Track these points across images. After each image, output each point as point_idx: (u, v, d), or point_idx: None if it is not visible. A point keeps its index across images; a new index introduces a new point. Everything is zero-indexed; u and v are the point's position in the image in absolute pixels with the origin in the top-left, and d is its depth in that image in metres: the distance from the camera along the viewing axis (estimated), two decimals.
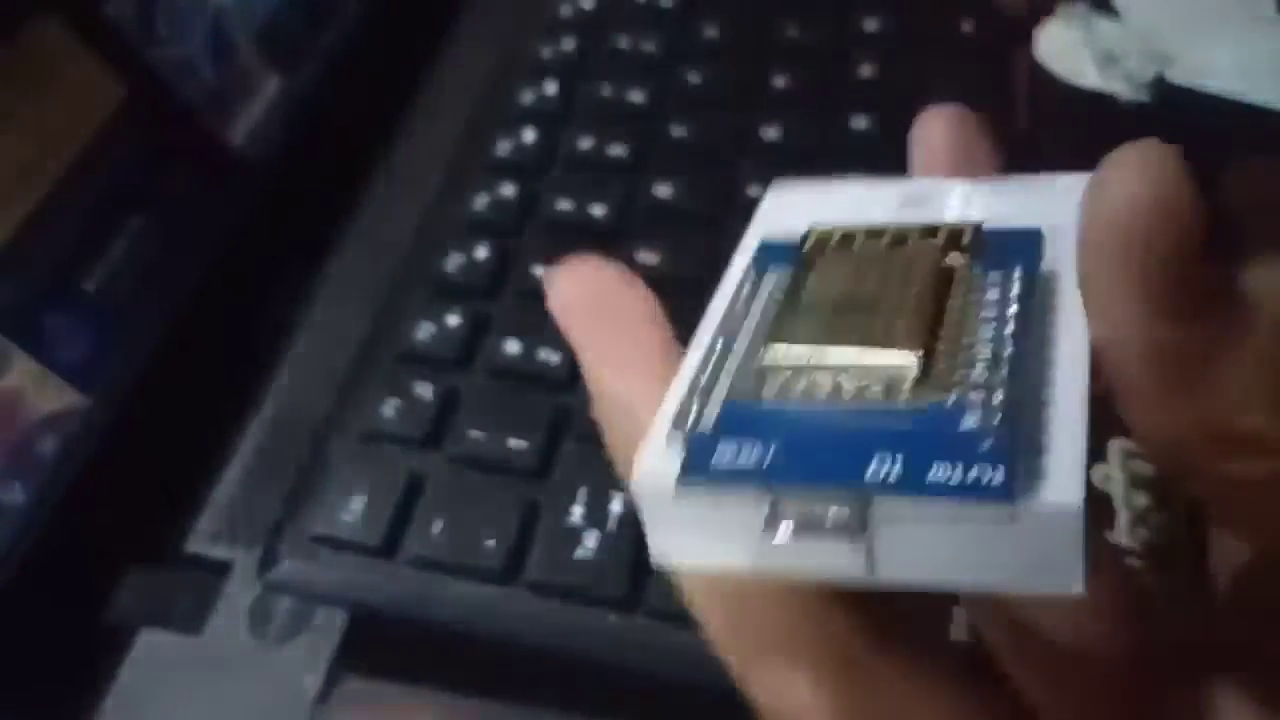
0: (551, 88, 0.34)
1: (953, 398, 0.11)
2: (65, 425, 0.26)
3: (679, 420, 0.12)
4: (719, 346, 0.13)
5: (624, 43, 0.36)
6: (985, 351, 0.12)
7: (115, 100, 0.27)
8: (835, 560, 0.11)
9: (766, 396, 0.12)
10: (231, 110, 0.32)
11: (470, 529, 0.24)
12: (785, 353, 0.12)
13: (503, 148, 0.33)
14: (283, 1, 0.34)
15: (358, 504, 0.25)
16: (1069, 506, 0.10)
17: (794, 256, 0.14)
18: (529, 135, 0.33)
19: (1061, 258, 0.13)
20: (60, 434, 0.26)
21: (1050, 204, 0.14)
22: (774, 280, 0.14)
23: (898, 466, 0.11)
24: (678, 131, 0.33)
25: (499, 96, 0.35)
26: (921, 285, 0.13)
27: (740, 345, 0.13)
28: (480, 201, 0.31)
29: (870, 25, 0.35)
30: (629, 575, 0.24)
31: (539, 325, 0.28)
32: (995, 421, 0.11)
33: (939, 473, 0.11)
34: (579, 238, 0.30)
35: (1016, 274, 0.13)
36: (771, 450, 0.11)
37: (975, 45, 0.34)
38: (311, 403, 0.29)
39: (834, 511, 0.11)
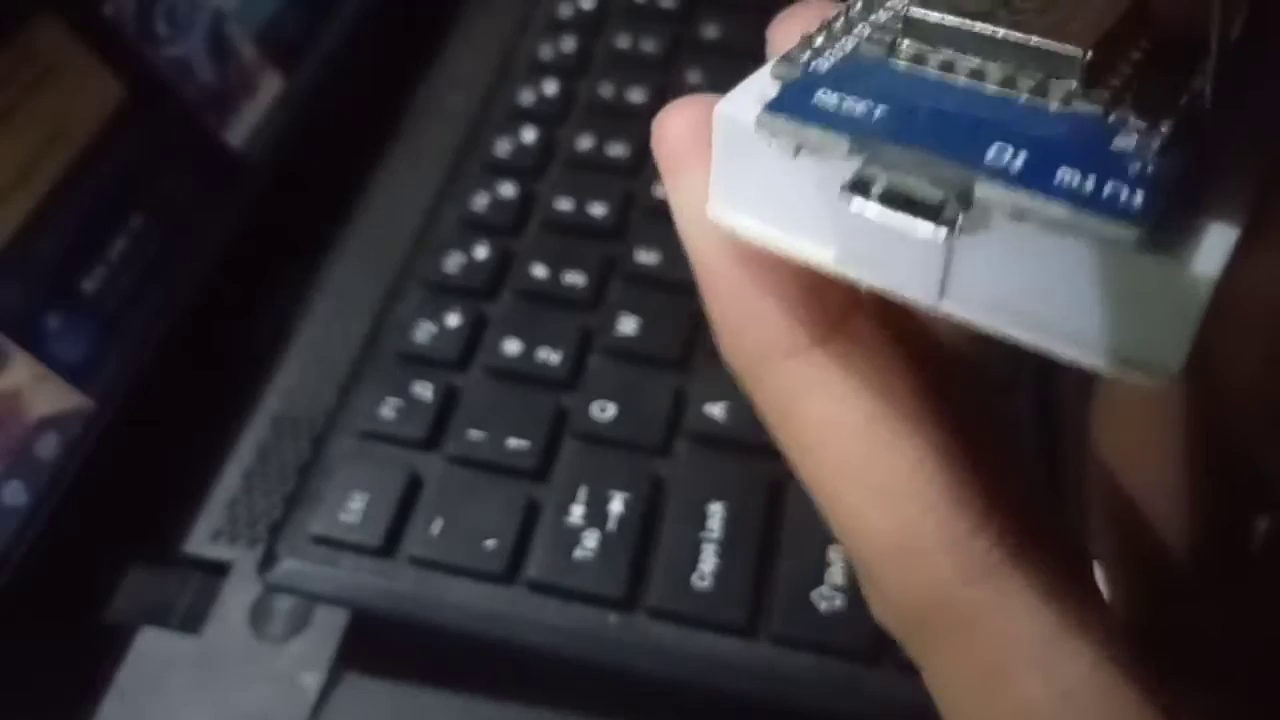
0: (551, 88, 0.35)
1: (1114, 115, 0.10)
2: (65, 425, 0.26)
3: (788, 58, 0.11)
4: (862, 2, 0.12)
5: (624, 43, 0.36)
6: (1177, 78, 0.10)
7: (115, 100, 0.27)
8: (908, 265, 0.10)
9: (897, 61, 0.11)
10: (231, 110, 0.32)
11: (470, 529, 0.24)
12: (934, 16, 0.11)
13: (502, 148, 0.33)
14: (283, 1, 0.34)
15: (358, 504, 0.25)
16: (1203, 273, 0.09)
17: None
18: (529, 135, 0.33)
19: None
20: (60, 434, 0.26)
21: None
22: None
23: (1021, 158, 0.09)
24: None
25: (499, 96, 0.35)
26: None
27: (890, 6, 0.12)
28: (480, 201, 0.31)
29: None
30: (629, 575, 0.24)
31: (539, 325, 0.28)
32: (1153, 149, 0.09)
33: (1067, 177, 0.09)
34: (579, 238, 0.31)
35: None
36: (880, 108, 0.10)
37: None
38: (311, 403, 0.29)
39: (928, 189, 0.09)
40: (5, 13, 0.25)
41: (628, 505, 0.25)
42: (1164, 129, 0.09)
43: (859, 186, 0.10)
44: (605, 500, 0.25)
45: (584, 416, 0.26)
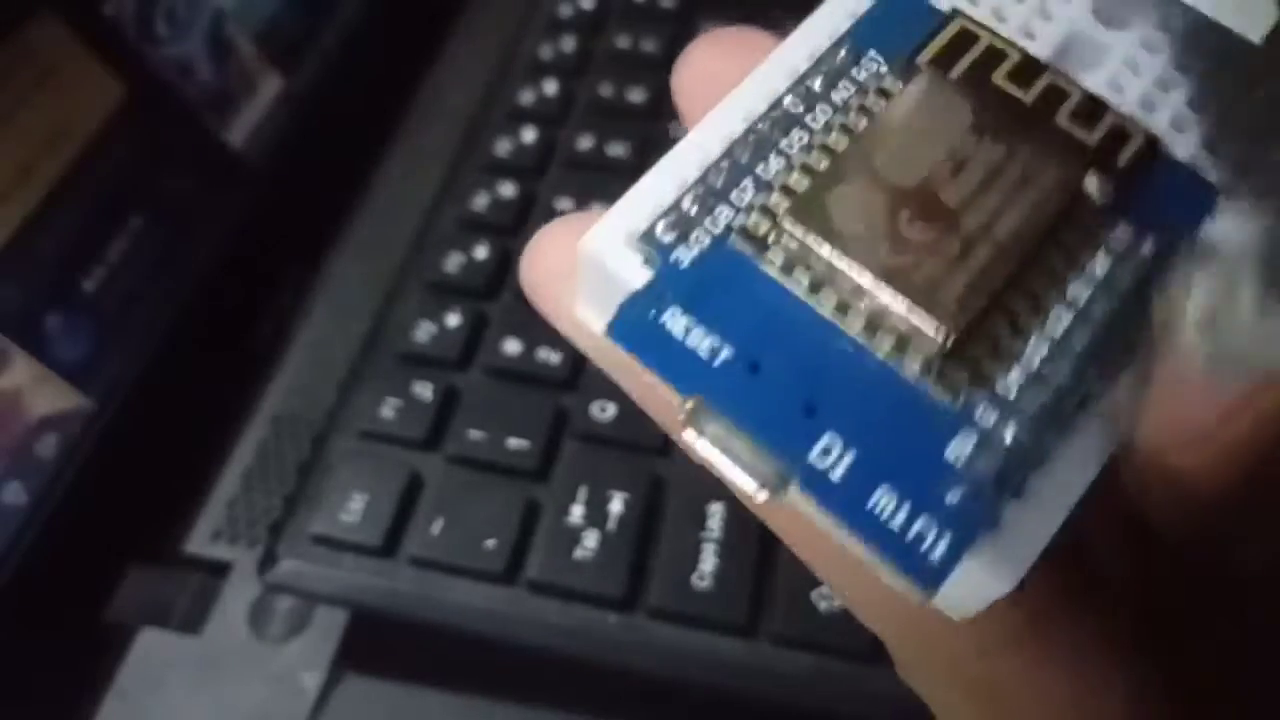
0: (551, 88, 0.34)
1: (963, 398, 0.10)
2: (65, 425, 0.26)
3: (650, 235, 0.10)
4: (753, 137, 0.11)
5: (624, 43, 0.36)
6: (1040, 352, 0.10)
7: (115, 100, 0.27)
8: (735, 479, 0.10)
9: (769, 262, 0.10)
10: (231, 110, 0.32)
11: (470, 529, 0.24)
12: (807, 233, 0.10)
13: (503, 148, 0.33)
14: (283, 1, 0.34)
15: (358, 504, 0.25)
16: (965, 613, 0.09)
17: (918, 35, 0.11)
18: (529, 135, 0.33)
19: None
20: (60, 434, 0.26)
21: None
22: (866, 74, 0.11)
23: (841, 467, 0.09)
24: (677, 131, 0.33)
25: (499, 96, 0.35)
26: (1023, 222, 0.10)
27: (781, 155, 0.11)
28: (480, 201, 0.31)
29: None
30: (629, 575, 0.24)
31: (539, 325, 0.28)
32: (982, 472, 0.09)
33: (880, 501, 0.09)
34: None
35: (1147, 248, 0.10)
36: (725, 351, 0.10)
37: None
38: (311, 403, 0.29)
39: (750, 459, 0.10)
40: (5, 13, 0.25)
41: (628, 505, 0.25)
42: (1010, 432, 0.09)
43: (689, 418, 0.10)
44: (605, 500, 0.25)
45: (584, 416, 0.26)
